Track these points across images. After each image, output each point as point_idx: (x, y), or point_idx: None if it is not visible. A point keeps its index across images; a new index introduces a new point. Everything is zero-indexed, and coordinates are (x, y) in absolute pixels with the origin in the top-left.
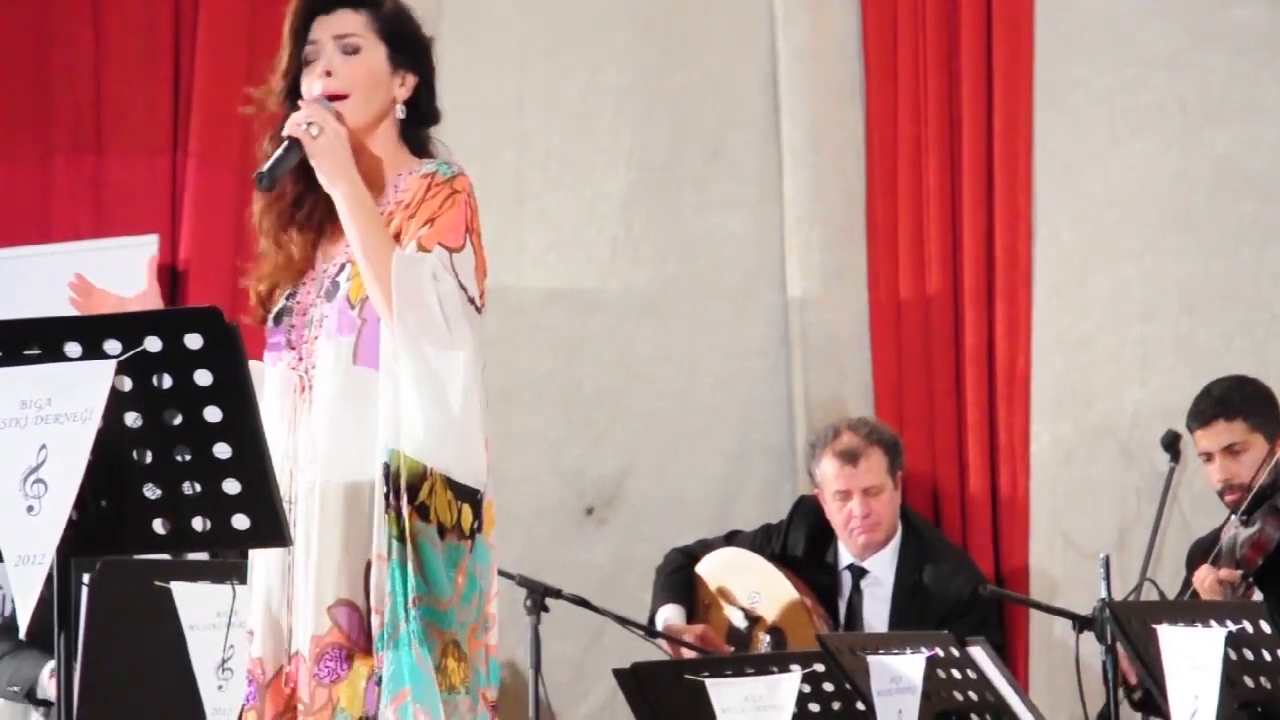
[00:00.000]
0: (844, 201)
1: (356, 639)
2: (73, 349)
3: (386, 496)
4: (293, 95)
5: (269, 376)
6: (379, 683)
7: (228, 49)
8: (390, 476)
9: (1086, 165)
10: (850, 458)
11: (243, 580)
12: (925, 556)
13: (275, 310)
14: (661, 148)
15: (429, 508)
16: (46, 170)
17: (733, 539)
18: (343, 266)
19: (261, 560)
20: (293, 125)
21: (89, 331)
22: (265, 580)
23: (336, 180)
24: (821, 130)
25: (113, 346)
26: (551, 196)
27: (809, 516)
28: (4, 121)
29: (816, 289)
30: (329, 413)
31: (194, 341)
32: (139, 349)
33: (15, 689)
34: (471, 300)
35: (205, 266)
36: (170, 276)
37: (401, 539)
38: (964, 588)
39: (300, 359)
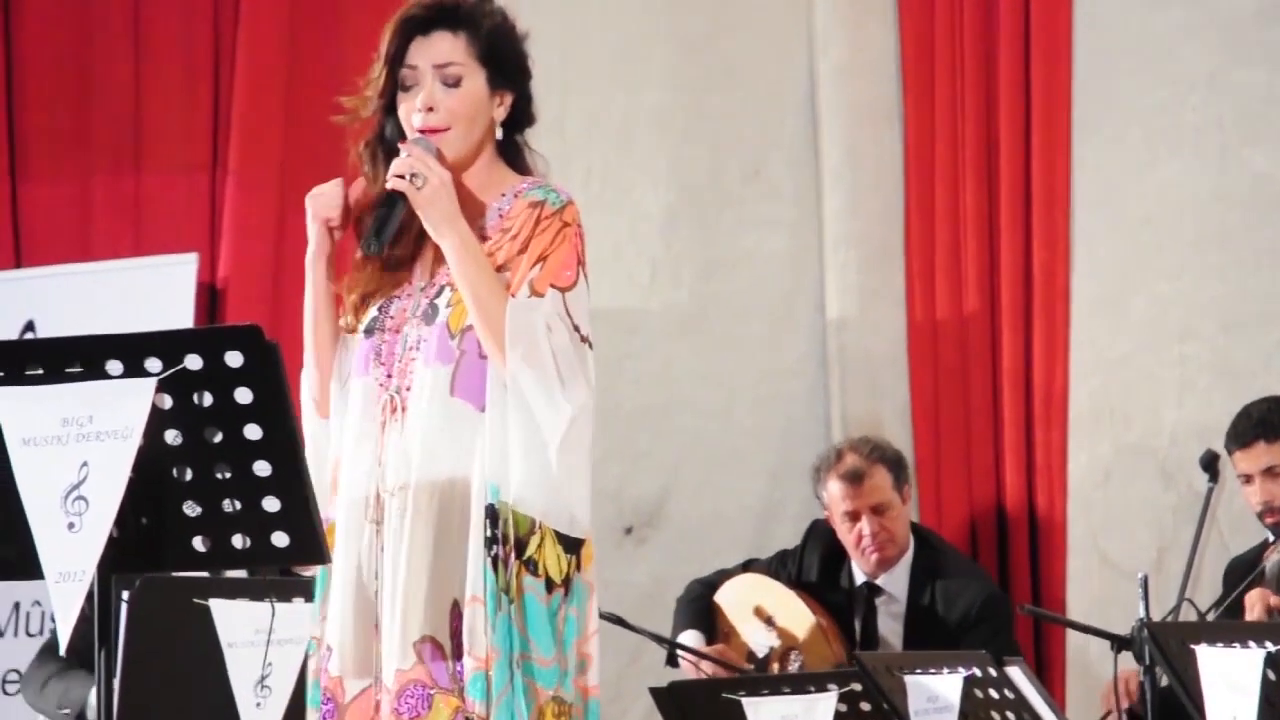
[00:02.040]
0: (882, 222)
1: (438, 677)
2: (114, 367)
3: (489, 542)
4: (388, 110)
5: (353, 388)
6: None
7: (267, 68)
8: (498, 525)
9: (1124, 184)
10: (855, 478)
11: (282, 598)
12: (937, 571)
13: (366, 323)
14: (701, 168)
15: (537, 562)
16: (87, 189)
17: (749, 567)
18: (441, 289)
19: (342, 577)
20: (394, 179)
21: (130, 349)
22: (349, 598)
23: (444, 232)
24: (859, 151)
25: (153, 364)
26: (592, 216)
27: (821, 540)
28: (45, 141)
29: (854, 309)
30: (422, 440)
31: (234, 359)
32: (179, 367)
33: (66, 711)
34: (585, 338)
35: (244, 284)
36: (209, 294)
37: (508, 593)
38: (975, 599)
39: (390, 376)
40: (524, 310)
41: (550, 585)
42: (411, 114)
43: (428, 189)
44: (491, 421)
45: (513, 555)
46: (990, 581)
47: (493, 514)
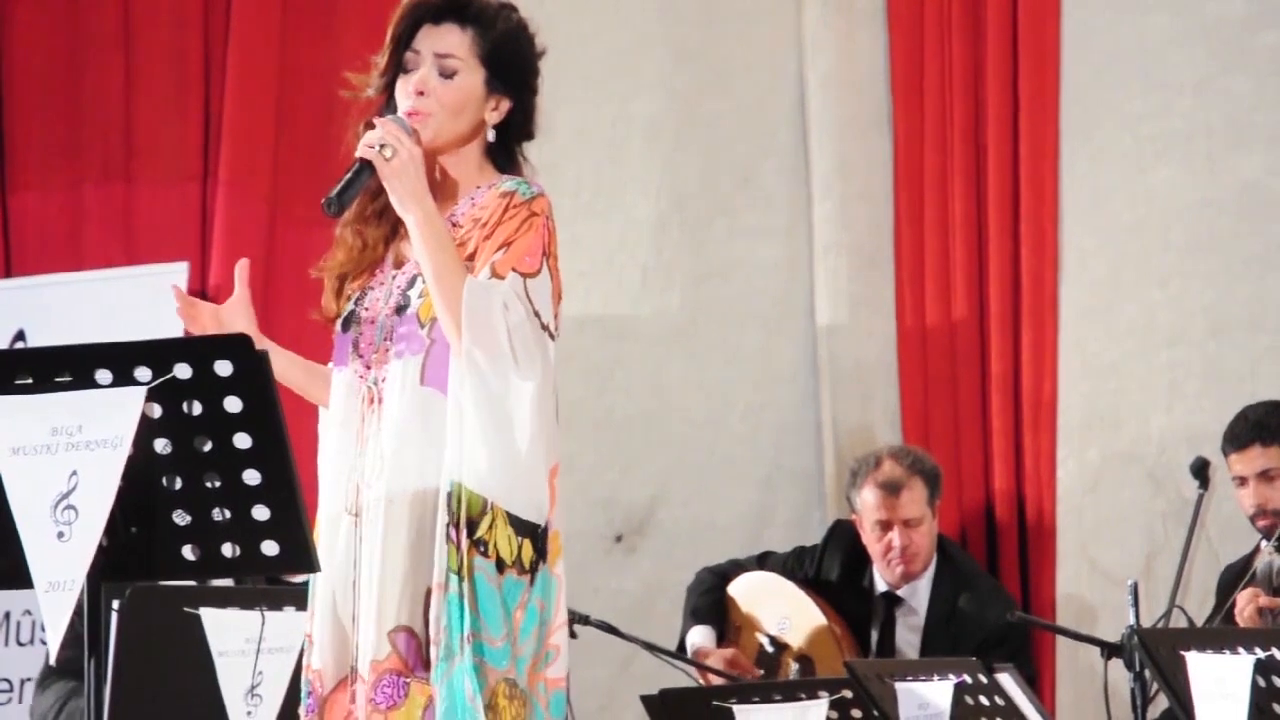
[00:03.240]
0: (872, 229)
1: (414, 666)
2: (103, 376)
3: (448, 527)
4: (390, 90)
5: (334, 381)
6: None
7: (257, 77)
8: (452, 508)
9: (1113, 191)
10: (893, 489)
11: (273, 607)
12: (959, 586)
13: (344, 314)
14: (692, 176)
15: (487, 543)
16: (77, 198)
17: (765, 560)
18: (413, 280)
19: (328, 571)
20: (364, 147)
21: (119, 358)
22: (332, 592)
23: (409, 205)
24: (849, 159)
25: (143, 373)
26: (582, 224)
27: (845, 541)
28: (35, 150)
29: (845, 316)
30: (396, 431)
31: (224, 368)
32: (169, 376)
33: None
34: (545, 327)
35: None
36: None
37: (459, 574)
38: (999, 618)
39: (369, 367)
40: (481, 290)
41: (501, 566)
42: (402, 99)
43: (396, 161)
44: (450, 406)
45: (464, 536)
46: (1013, 601)
47: (450, 498)
